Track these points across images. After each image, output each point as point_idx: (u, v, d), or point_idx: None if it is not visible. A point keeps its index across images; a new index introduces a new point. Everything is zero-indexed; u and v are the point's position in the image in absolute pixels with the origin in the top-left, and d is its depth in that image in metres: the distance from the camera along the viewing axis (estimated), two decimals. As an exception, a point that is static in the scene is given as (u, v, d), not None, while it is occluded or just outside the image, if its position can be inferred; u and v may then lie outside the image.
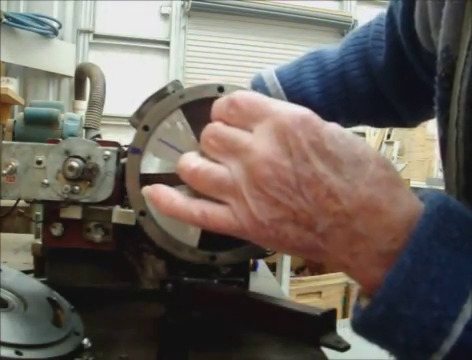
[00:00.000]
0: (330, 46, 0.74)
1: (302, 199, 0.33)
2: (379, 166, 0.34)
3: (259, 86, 0.71)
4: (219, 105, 0.38)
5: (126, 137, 0.62)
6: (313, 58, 0.72)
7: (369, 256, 0.33)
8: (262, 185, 0.34)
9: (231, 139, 0.36)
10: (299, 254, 0.37)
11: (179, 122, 0.53)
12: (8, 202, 0.65)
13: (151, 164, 0.53)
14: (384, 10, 0.69)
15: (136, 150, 0.53)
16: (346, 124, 0.72)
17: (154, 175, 0.53)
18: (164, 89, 0.54)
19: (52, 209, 0.59)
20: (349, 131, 0.35)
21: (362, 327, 0.34)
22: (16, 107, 2.90)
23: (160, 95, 0.54)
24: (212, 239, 0.55)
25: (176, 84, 0.55)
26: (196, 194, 0.38)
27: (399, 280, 0.32)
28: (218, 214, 0.36)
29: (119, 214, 0.58)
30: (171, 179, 0.53)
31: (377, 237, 0.33)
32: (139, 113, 0.54)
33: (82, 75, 1.03)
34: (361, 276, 0.34)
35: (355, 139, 0.35)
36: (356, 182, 0.33)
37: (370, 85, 0.69)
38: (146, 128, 0.53)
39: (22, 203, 0.65)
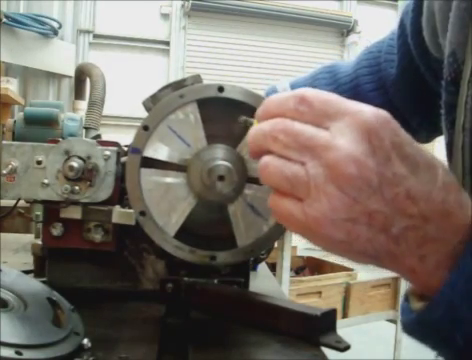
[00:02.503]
0: (344, 61, 0.74)
1: (381, 199, 0.33)
2: (445, 172, 0.35)
3: None
4: (283, 101, 0.37)
5: (126, 137, 0.62)
6: (327, 71, 0.73)
7: (437, 258, 0.33)
8: (343, 183, 0.33)
9: (306, 135, 0.35)
10: (364, 259, 0.35)
11: (192, 115, 0.53)
12: (8, 202, 0.65)
13: (154, 149, 0.53)
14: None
15: (136, 150, 0.53)
16: None
17: (154, 160, 0.53)
18: (183, 80, 0.54)
19: (52, 209, 0.59)
20: None
21: (417, 328, 0.34)
22: (16, 107, 2.90)
23: (179, 85, 0.53)
24: (211, 239, 0.55)
25: (196, 78, 0.54)
26: None
27: (461, 281, 0.32)
28: (286, 203, 0.35)
29: (119, 214, 0.58)
30: (170, 168, 0.53)
31: (447, 239, 0.33)
32: (154, 98, 0.53)
33: (82, 75, 1.03)
34: (426, 279, 0.34)
35: (422, 146, 0.35)
36: (430, 186, 0.33)
37: (383, 98, 0.69)
38: (146, 128, 0.52)
39: (22, 203, 0.65)
